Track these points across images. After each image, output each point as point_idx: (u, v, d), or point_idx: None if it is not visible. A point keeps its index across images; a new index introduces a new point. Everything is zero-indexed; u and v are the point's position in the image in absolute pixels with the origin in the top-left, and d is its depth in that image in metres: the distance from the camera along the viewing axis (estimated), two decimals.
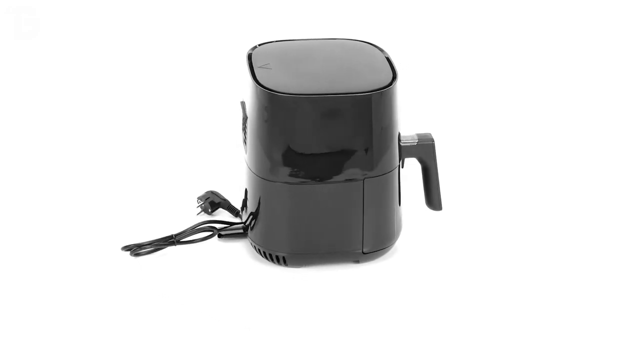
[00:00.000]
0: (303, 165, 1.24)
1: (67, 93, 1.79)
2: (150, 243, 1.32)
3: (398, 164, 1.29)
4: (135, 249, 1.31)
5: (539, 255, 1.34)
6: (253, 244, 1.32)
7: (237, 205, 1.42)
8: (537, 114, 1.77)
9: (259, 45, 1.33)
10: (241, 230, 1.35)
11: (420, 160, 1.32)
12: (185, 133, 1.68)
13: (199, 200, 1.43)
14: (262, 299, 1.25)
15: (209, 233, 1.34)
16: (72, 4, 1.89)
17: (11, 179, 1.53)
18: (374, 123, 1.24)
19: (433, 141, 1.31)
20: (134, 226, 1.38)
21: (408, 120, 1.33)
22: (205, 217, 1.42)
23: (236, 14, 1.89)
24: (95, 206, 1.45)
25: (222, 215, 1.43)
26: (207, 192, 1.44)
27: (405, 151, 1.30)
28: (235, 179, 1.39)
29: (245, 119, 1.29)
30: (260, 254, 1.31)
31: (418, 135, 1.31)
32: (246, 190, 1.32)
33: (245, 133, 1.29)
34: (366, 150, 1.24)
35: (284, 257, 1.29)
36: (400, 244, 1.35)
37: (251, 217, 1.31)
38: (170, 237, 1.33)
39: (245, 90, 1.28)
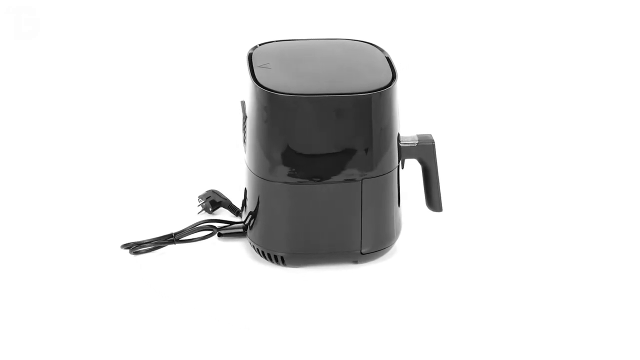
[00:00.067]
0: (302, 165, 1.24)
1: (68, 93, 1.79)
2: (150, 241, 1.32)
3: (397, 164, 1.29)
4: (135, 247, 1.31)
5: (539, 256, 1.34)
6: (252, 243, 1.32)
7: (238, 204, 1.42)
8: (537, 114, 1.77)
9: (259, 45, 1.33)
10: (241, 230, 1.34)
11: (421, 161, 1.32)
12: (186, 132, 1.68)
13: (200, 199, 1.43)
14: (260, 299, 1.24)
15: (209, 232, 1.35)
16: (72, 4, 1.89)
17: (12, 179, 1.53)
18: (374, 123, 1.23)
19: (433, 142, 1.31)
20: (134, 224, 1.38)
21: (408, 120, 1.33)
22: (206, 216, 1.42)
23: (236, 14, 1.89)
24: (95, 204, 1.45)
25: (223, 214, 1.43)
26: (208, 191, 1.44)
27: (406, 152, 1.30)
28: (236, 178, 1.39)
29: (245, 118, 1.29)
30: (259, 253, 1.31)
31: (418, 136, 1.31)
32: (245, 189, 1.32)
33: (244, 133, 1.29)
34: (365, 150, 1.24)
35: (282, 257, 1.29)
36: (400, 244, 1.35)
37: (250, 216, 1.31)
38: (170, 235, 1.33)
39: (245, 90, 1.28)
